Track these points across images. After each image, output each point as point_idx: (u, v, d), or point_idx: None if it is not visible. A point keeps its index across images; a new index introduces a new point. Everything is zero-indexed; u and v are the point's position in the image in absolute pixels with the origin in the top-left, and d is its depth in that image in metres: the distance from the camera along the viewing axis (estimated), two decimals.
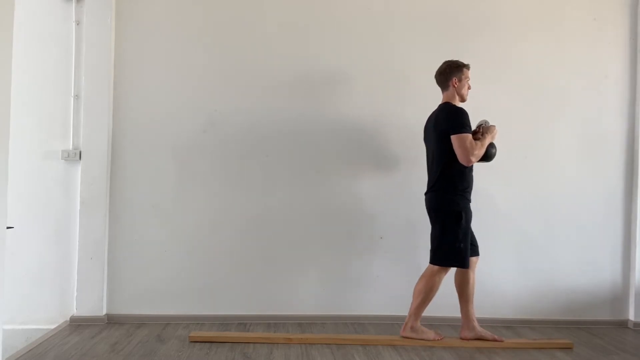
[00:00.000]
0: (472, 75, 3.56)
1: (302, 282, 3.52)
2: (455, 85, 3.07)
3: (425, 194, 3.13)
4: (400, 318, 3.51)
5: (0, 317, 2.30)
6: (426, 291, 3.03)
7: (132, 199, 3.46)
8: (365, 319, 3.51)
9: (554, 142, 3.62)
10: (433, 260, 3.03)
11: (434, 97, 3.19)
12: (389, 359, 2.86)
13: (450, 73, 3.08)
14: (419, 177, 3.59)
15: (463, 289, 3.08)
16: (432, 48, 3.56)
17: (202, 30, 3.51)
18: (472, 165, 3.05)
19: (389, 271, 3.55)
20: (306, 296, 3.52)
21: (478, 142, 2.97)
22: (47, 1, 3.44)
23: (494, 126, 3.09)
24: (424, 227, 3.54)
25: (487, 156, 3.09)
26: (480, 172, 3.56)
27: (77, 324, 3.34)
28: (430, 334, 3.09)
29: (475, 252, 3.13)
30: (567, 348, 3.09)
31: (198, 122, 3.49)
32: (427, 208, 3.12)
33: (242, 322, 3.43)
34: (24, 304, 3.37)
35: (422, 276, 3.06)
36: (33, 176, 3.42)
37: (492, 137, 3.07)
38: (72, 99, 3.43)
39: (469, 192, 3.06)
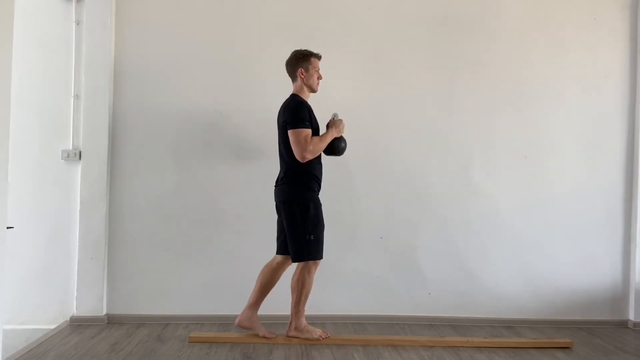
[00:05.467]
0: (474, 75, 3.58)
1: None
2: (302, 76, 2.98)
3: (275, 186, 3.07)
4: (401, 318, 3.52)
5: (0, 317, 2.30)
6: (299, 288, 2.97)
7: (132, 199, 3.46)
8: (365, 319, 3.51)
9: (554, 142, 3.62)
10: (292, 258, 2.98)
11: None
12: (389, 359, 2.86)
13: (296, 63, 2.99)
14: (421, 180, 3.60)
15: (268, 279, 3.04)
16: (430, 47, 3.57)
17: (202, 30, 3.51)
18: (319, 157, 3.00)
19: (389, 271, 3.55)
20: None
21: (315, 138, 2.91)
22: (47, 1, 3.44)
23: (340, 120, 3.05)
24: (424, 227, 3.57)
25: (336, 150, 3.04)
26: (481, 172, 3.58)
27: (77, 324, 3.34)
28: (316, 333, 3.05)
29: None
30: (567, 348, 3.09)
31: (198, 122, 3.49)
32: (275, 202, 3.06)
33: None
34: (24, 304, 3.38)
35: (294, 273, 3.02)
36: (33, 176, 3.42)
37: (339, 132, 3.01)
38: (72, 99, 3.43)
39: (317, 184, 3.01)
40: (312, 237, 2.92)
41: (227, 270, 3.48)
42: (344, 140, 3.08)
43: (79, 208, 3.40)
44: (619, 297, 3.62)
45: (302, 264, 2.98)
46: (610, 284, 3.62)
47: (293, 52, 3.04)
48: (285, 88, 3.39)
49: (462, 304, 3.56)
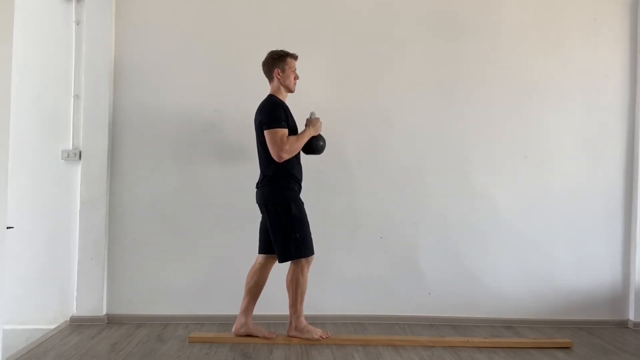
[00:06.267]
0: (473, 75, 3.58)
1: None
2: (279, 76, 2.99)
3: (256, 189, 3.04)
4: (401, 318, 3.53)
5: (0, 317, 2.30)
6: (293, 288, 2.97)
7: (132, 199, 3.46)
8: (365, 319, 3.51)
9: (554, 142, 3.62)
10: (280, 259, 2.95)
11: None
12: (389, 359, 2.86)
13: (272, 64, 3.00)
14: (425, 179, 3.61)
15: (249, 282, 3.06)
16: (430, 47, 3.58)
17: (202, 30, 3.51)
18: (298, 157, 2.99)
19: (389, 271, 3.55)
20: (306, 296, 3.50)
21: (292, 137, 2.89)
22: (47, 1, 3.44)
23: (317, 119, 3.04)
24: (424, 227, 3.57)
25: (315, 149, 3.03)
26: (481, 172, 3.58)
27: (77, 324, 3.34)
28: (316, 333, 3.04)
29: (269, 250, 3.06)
30: (567, 348, 3.09)
31: (198, 122, 3.49)
32: (257, 204, 3.04)
33: None
34: (24, 304, 3.38)
35: (287, 273, 3.00)
36: (33, 176, 3.42)
37: (316, 130, 3.01)
38: (72, 99, 3.43)
39: (298, 184, 3.00)
40: (298, 235, 2.91)
41: (227, 270, 3.48)
42: (323, 139, 3.07)
43: (79, 208, 3.40)
44: (619, 297, 3.62)
45: (293, 263, 2.97)
46: (610, 284, 3.62)
47: (269, 53, 3.05)
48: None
49: (462, 304, 3.56)
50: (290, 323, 3.07)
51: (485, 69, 3.59)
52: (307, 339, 3.04)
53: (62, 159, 3.42)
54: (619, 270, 3.62)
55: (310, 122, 3.03)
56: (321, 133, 3.08)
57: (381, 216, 3.56)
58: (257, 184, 3.04)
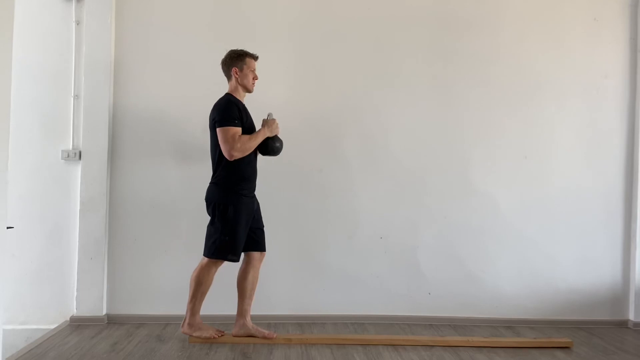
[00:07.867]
0: (474, 75, 3.58)
1: (301, 282, 3.52)
2: (237, 76, 2.99)
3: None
4: (401, 318, 3.53)
5: (0, 317, 2.30)
6: (196, 284, 2.96)
7: (132, 199, 3.46)
8: (365, 319, 3.51)
9: (554, 142, 3.62)
10: (204, 252, 2.98)
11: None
12: (389, 359, 2.86)
13: (230, 63, 3.00)
14: (427, 181, 3.61)
15: (238, 283, 3.06)
16: (430, 46, 3.57)
17: (201, 30, 3.51)
18: (250, 158, 2.97)
19: (389, 271, 3.55)
20: (306, 296, 3.52)
21: (245, 136, 2.89)
22: (47, 1, 3.44)
23: (273, 120, 3.03)
24: (424, 227, 3.57)
25: (270, 150, 3.02)
26: (480, 172, 3.58)
27: (77, 324, 3.34)
28: (208, 331, 3.03)
29: (258, 247, 3.08)
30: (567, 348, 3.09)
31: (198, 122, 3.49)
32: None
33: None
34: (24, 304, 3.38)
35: (196, 269, 3.00)
36: (33, 176, 3.42)
37: (271, 132, 3.00)
38: (72, 99, 3.44)
39: (246, 186, 2.97)
40: (227, 238, 2.90)
41: (227, 270, 3.45)
42: (279, 140, 3.06)
43: (79, 208, 3.40)
44: (619, 297, 3.62)
45: (206, 260, 2.96)
46: (610, 284, 3.62)
47: (228, 52, 3.05)
48: (286, 87, 3.40)
49: (462, 304, 3.56)
50: (184, 319, 3.03)
51: (486, 69, 3.59)
52: (199, 337, 3.00)
53: (62, 159, 3.42)
54: (619, 270, 3.62)
55: (266, 122, 3.02)
56: (278, 135, 3.06)
57: (381, 216, 3.56)
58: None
